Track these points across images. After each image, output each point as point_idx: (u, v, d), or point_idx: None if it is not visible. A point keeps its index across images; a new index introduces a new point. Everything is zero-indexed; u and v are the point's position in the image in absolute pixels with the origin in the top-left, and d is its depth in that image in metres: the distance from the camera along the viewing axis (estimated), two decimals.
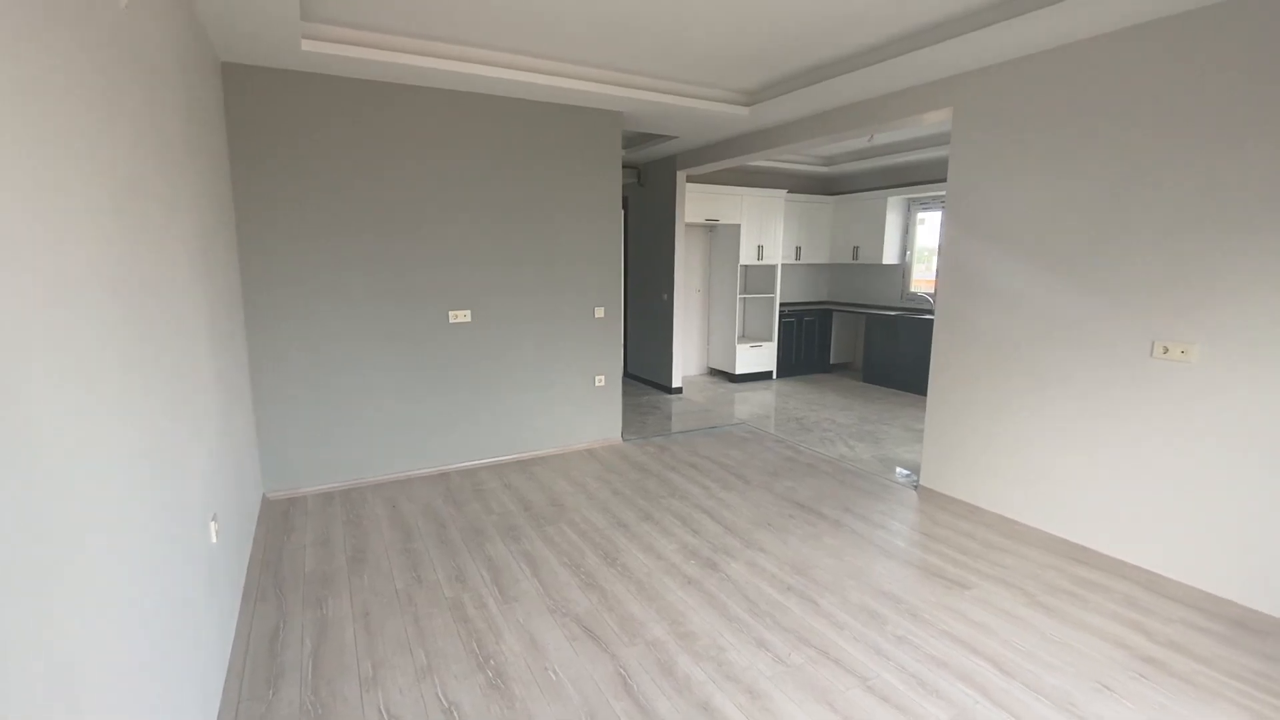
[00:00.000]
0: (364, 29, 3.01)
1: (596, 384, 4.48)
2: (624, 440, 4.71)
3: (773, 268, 6.85)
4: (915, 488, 3.76)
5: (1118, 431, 2.75)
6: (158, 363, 1.55)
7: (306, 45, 2.96)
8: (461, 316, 3.93)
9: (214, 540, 2.04)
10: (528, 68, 3.47)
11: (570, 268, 4.24)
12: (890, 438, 4.86)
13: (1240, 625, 2.38)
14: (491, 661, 2.16)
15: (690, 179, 6.14)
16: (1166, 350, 2.56)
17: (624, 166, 6.31)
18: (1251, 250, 2.32)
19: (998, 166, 3.17)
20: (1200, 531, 2.52)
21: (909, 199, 6.72)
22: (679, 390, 6.36)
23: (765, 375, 7.01)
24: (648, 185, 6.40)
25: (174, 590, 1.51)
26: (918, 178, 6.44)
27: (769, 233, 6.75)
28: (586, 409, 4.48)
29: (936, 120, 3.60)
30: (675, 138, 5.15)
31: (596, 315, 4.38)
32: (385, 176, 3.60)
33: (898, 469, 4.13)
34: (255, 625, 2.36)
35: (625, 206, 6.84)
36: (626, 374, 7.18)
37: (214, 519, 2.07)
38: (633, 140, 5.69)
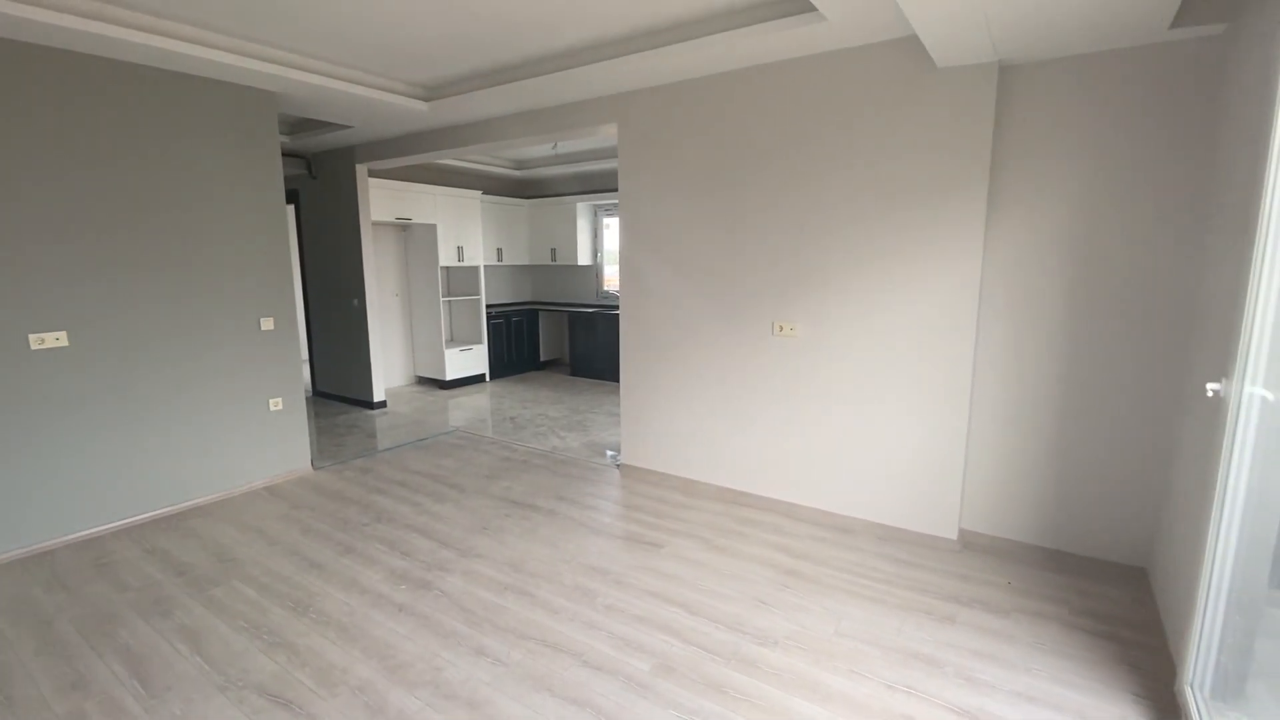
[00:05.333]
0: None
1: (272, 408, 3.84)
2: (316, 469, 4.15)
3: (475, 269, 6.77)
4: (618, 466, 4.11)
5: (757, 394, 3.41)
6: None
7: None
8: (50, 340, 2.97)
9: None
10: (164, 31, 2.81)
11: (221, 271, 3.54)
12: (597, 424, 5.22)
13: (842, 530, 3.17)
14: None
15: (373, 173, 5.67)
16: (782, 329, 3.26)
17: (290, 155, 5.53)
18: (826, 258, 3.08)
19: (653, 182, 3.63)
20: (811, 464, 3.28)
21: (595, 205, 7.29)
22: (383, 404, 5.86)
23: (478, 378, 6.90)
24: (321, 177, 5.71)
25: None
26: (602, 185, 7.03)
27: (468, 233, 6.64)
28: (261, 439, 3.81)
29: (609, 134, 3.96)
30: (349, 127, 4.69)
31: (264, 327, 3.75)
32: None
33: (608, 452, 4.46)
34: None
35: (295, 201, 6.00)
36: (315, 393, 6.35)
37: None
38: (299, 126, 5.01)
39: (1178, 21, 2.25)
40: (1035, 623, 2.36)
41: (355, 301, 5.68)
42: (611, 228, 7.42)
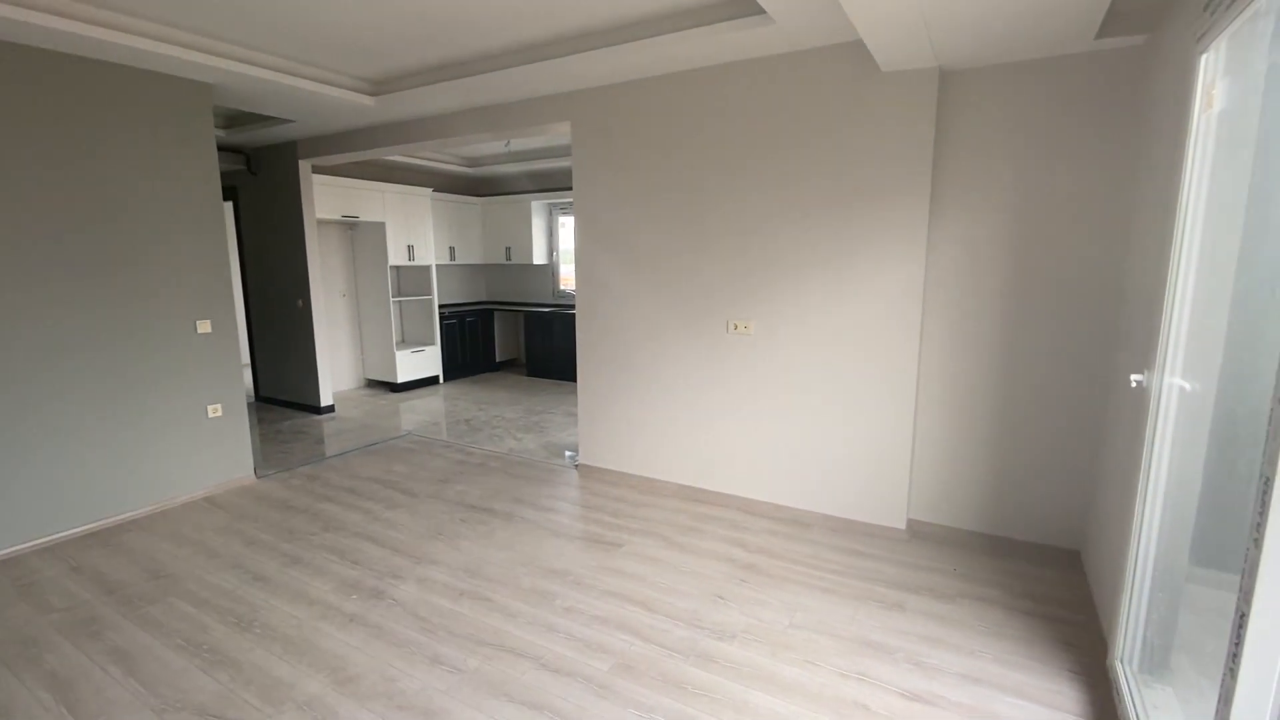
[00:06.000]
0: None
1: (211, 415, 3.66)
2: (260, 477, 3.98)
3: (427, 268, 6.62)
4: (576, 467, 4.09)
5: (713, 392, 3.44)
6: None
7: None
8: None
9: None
10: (88, 18, 2.65)
11: (154, 273, 3.35)
12: (554, 425, 5.18)
13: (797, 523, 3.23)
14: None
15: (317, 170, 5.48)
16: (737, 327, 3.30)
17: (227, 150, 5.29)
18: (779, 257, 3.13)
19: (608, 181, 3.62)
20: (767, 459, 3.33)
21: (550, 203, 7.23)
22: (331, 409, 5.67)
23: (431, 380, 6.75)
24: (262, 174, 5.48)
25: None
26: (557, 184, 6.97)
27: (418, 232, 6.49)
28: (200, 448, 3.63)
29: (562, 132, 3.93)
30: (292, 121, 4.52)
31: (200, 330, 3.57)
32: None
33: (566, 452, 4.43)
34: None
35: (234, 198, 5.74)
36: (258, 398, 6.10)
37: None
38: (237, 120, 4.80)
39: (1103, 32, 2.38)
40: (979, 607, 2.46)
41: (300, 302, 5.48)
42: (567, 226, 7.37)
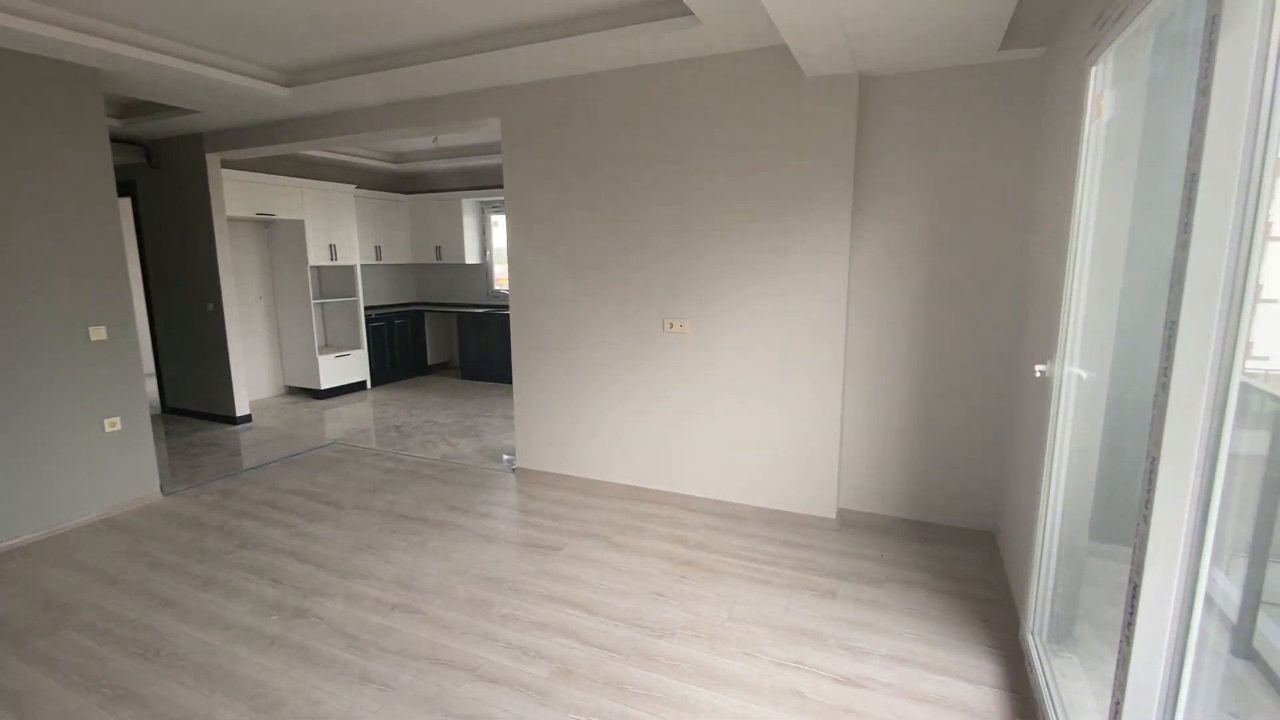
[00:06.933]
0: None
1: (109, 429, 3.36)
2: (166, 495, 3.69)
3: (351, 268, 6.33)
4: (513, 471, 4.01)
5: (651, 391, 3.45)
6: None
7: None
8: None
9: None
10: None
11: (37, 275, 3.05)
12: (491, 428, 5.07)
13: (734, 518, 3.29)
14: None
15: (228, 164, 5.13)
16: (673, 326, 3.32)
17: (123, 141, 4.89)
18: (712, 256, 3.17)
19: (541, 179, 3.56)
20: (704, 455, 3.37)
21: (482, 201, 7.06)
22: (248, 419, 5.33)
23: (358, 386, 6.47)
24: (164, 168, 5.09)
25: None
26: (490, 181, 6.81)
27: (341, 231, 6.19)
28: (96, 466, 3.33)
29: (492, 128, 3.83)
30: (197, 112, 4.21)
31: (94, 337, 3.27)
32: None
33: (505, 456, 4.33)
34: None
35: (132, 193, 5.31)
36: (165, 409, 5.67)
37: None
38: (134, 109, 4.44)
39: (1006, 45, 2.54)
40: (905, 590, 2.58)
41: (210, 306, 5.12)
42: (500, 225, 7.22)
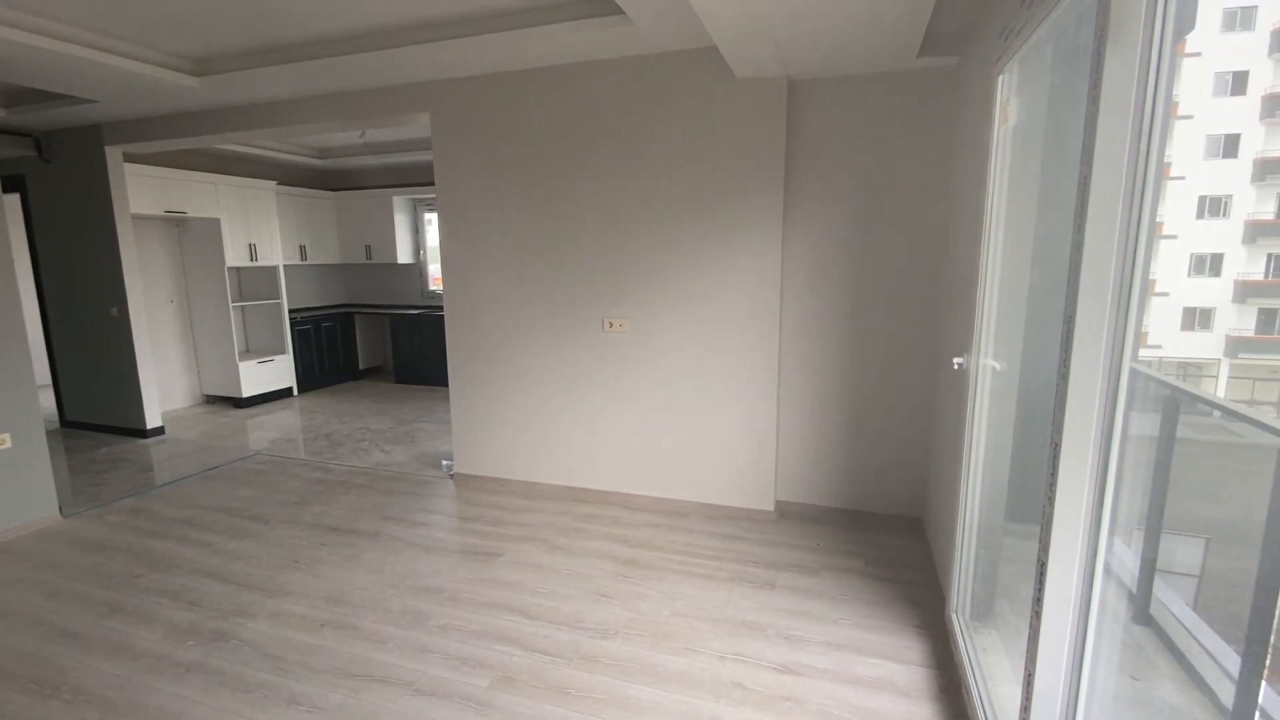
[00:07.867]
0: None
1: None
2: (66, 517, 3.40)
3: (274, 269, 6.00)
4: (451, 477, 3.90)
5: (591, 390, 3.43)
6: None
7: None
8: None
9: None
10: None
11: None
12: (426, 434, 4.92)
13: (675, 514, 3.32)
14: None
15: (131, 158, 4.77)
16: (613, 325, 3.32)
17: (9, 132, 4.47)
18: (649, 255, 3.18)
19: (473, 176, 3.48)
20: (645, 453, 3.39)
21: (414, 199, 6.84)
22: (160, 431, 4.97)
23: (284, 393, 6.15)
24: (57, 161, 4.68)
25: None
26: (422, 178, 6.60)
27: (262, 229, 5.86)
28: None
29: (422, 124, 3.71)
30: (94, 102, 3.89)
31: None
32: None
33: (443, 462, 4.20)
34: None
35: (21, 188, 4.86)
36: (64, 424, 5.23)
37: None
38: (20, 98, 4.06)
39: (923, 52, 2.66)
40: (839, 577, 2.66)
41: (114, 311, 4.74)
42: (434, 223, 7.01)
